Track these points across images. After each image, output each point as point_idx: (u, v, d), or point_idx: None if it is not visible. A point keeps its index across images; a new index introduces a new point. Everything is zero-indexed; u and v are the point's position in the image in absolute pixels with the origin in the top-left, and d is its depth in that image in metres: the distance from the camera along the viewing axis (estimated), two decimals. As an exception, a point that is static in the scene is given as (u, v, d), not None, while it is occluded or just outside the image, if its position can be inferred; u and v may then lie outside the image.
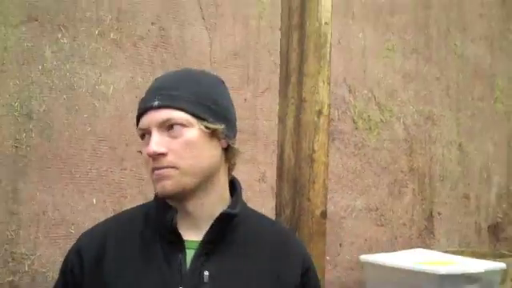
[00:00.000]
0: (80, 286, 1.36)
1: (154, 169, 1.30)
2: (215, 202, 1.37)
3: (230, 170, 1.42)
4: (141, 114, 1.33)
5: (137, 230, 1.38)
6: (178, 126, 1.30)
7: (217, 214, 1.35)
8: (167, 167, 1.30)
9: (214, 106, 1.34)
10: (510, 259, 3.66)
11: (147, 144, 1.31)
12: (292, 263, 1.41)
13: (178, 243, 1.33)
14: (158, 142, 1.29)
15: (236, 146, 1.39)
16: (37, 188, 2.56)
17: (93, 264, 1.35)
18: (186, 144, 1.30)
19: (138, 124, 1.35)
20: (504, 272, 3.38)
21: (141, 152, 1.34)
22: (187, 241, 1.34)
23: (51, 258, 2.51)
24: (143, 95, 1.37)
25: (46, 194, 2.58)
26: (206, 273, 1.31)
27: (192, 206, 1.35)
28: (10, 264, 2.49)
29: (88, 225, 1.48)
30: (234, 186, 1.43)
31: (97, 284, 1.34)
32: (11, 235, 2.51)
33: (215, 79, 1.42)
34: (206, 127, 1.32)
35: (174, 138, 1.30)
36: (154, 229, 1.36)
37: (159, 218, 1.35)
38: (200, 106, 1.32)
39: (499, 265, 3.30)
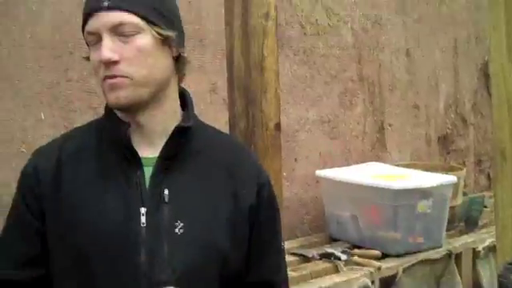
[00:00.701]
0: (42, 208, 1.30)
1: (105, 77, 1.23)
2: (167, 114, 1.32)
3: (180, 80, 1.37)
4: (88, 15, 1.24)
5: (91, 148, 1.33)
6: (131, 31, 1.23)
7: (170, 128, 1.30)
8: (120, 76, 1.23)
9: (165, 11, 1.28)
10: (460, 172, 3.76)
11: (97, 49, 1.23)
12: (247, 180, 1.37)
13: (135, 160, 1.29)
14: (110, 47, 1.22)
15: (185, 55, 1.34)
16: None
17: (51, 185, 1.30)
18: (139, 51, 1.24)
19: (83, 27, 1.26)
20: (455, 186, 3.49)
21: (87, 58, 1.27)
22: (143, 158, 1.30)
23: (5, 181, 2.32)
24: None
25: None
26: (166, 191, 1.28)
27: (144, 119, 1.30)
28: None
29: (40, 142, 1.40)
30: (184, 99, 1.38)
31: (56, 207, 1.29)
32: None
33: None
34: (159, 33, 1.25)
35: (126, 43, 1.23)
36: (108, 145, 1.31)
37: (112, 133, 1.30)
38: (152, 10, 1.25)
39: (451, 178, 3.38)
